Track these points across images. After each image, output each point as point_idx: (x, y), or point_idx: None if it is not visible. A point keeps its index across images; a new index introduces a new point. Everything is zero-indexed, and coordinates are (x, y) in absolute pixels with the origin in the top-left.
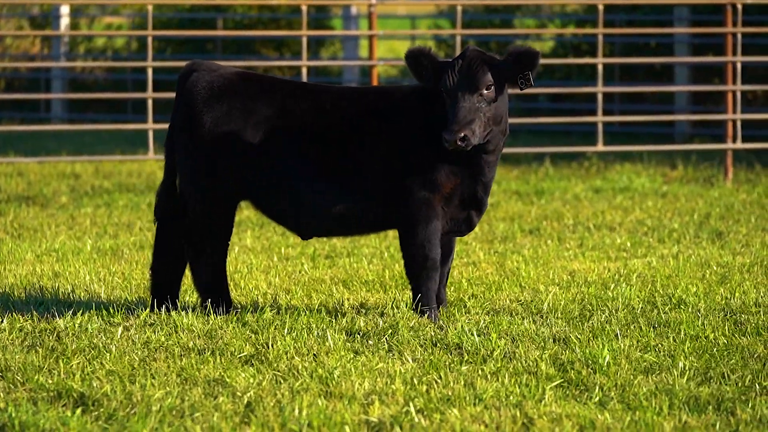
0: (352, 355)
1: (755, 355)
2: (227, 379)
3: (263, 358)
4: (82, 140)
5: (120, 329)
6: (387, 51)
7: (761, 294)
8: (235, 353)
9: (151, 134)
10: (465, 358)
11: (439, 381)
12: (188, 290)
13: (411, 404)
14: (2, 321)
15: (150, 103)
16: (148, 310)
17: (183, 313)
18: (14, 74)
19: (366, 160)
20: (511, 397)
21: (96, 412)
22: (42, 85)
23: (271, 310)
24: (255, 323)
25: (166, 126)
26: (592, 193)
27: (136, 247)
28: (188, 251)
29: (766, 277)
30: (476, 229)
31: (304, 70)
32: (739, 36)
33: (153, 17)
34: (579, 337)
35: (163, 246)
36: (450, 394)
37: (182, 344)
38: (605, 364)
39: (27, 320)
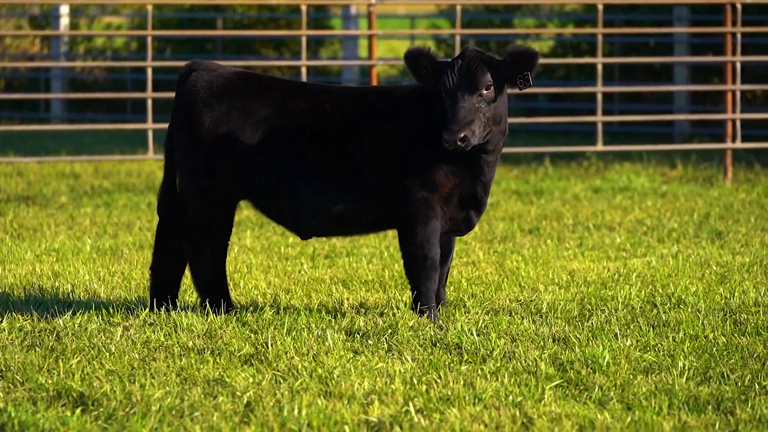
0: (351, 355)
1: (755, 355)
2: (227, 379)
3: (263, 357)
4: (81, 140)
5: (120, 329)
6: (386, 51)
7: (761, 293)
8: (235, 353)
9: (150, 134)
10: (464, 358)
11: (438, 381)
12: (188, 290)
13: (410, 404)
14: (2, 321)
15: (149, 102)
16: (147, 309)
17: (182, 312)
18: (14, 74)
19: (365, 159)
20: (511, 397)
21: (95, 412)
22: (41, 84)
23: (270, 310)
24: (254, 323)
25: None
26: (592, 193)
27: (136, 246)
28: (188, 251)
29: (766, 276)
30: (476, 228)
31: (304, 70)
32: (739, 36)
33: (152, 17)
34: (578, 336)
35: (163, 246)
36: (449, 393)
37: (182, 344)
38: (605, 363)
39: (27, 320)
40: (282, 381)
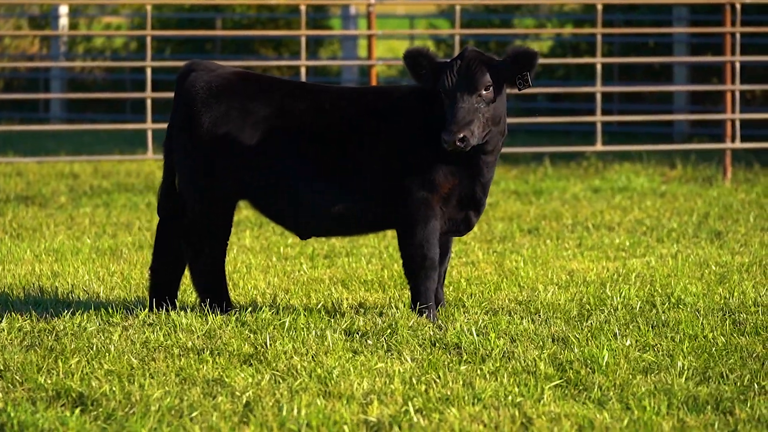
0: (350, 355)
1: (754, 355)
2: (226, 379)
3: (262, 357)
4: (80, 140)
5: (119, 329)
6: (386, 51)
7: (760, 293)
8: (234, 353)
9: (149, 134)
10: (464, 358)
11: (437, 381)
12: (187, 290)
13: (410, 404)
14: (1, 321)
15: (149, 102)
16: (146, 310)
17: (182, 313)
18: (13, 74)
19: (365, 160)
20: (510, 397)
21: (95, 412)
22: (41, 85)
23: (269, 310)
24: (254, 323)
25: (165, 126)
26: (591, 193)
27: (135, 246)
28: (187, 251)
29: (765, 276)
30: (475, 228)
31: (303, 70)
32: (738, 36)
33: (152, 17)
34: (578, 336)
35: (163, 246)
36: (449, 393)
37: (181, 344)
38: (604, 363)
39: (26, 320)
40: (281, 381)
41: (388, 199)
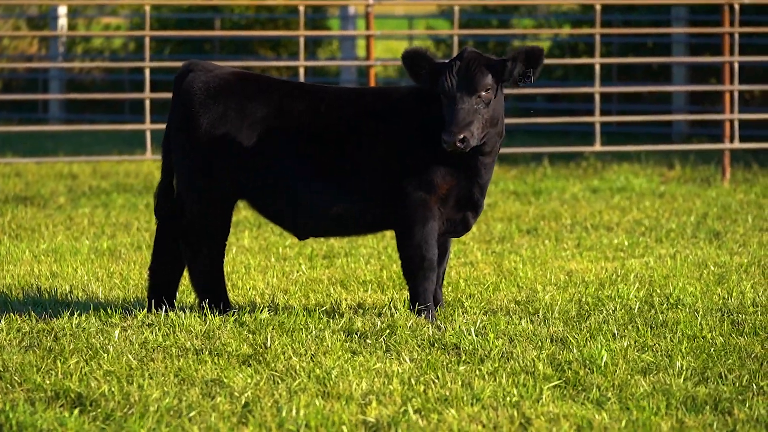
0: (349, 356)
1: (752, 355)
2: (225, 380)
3: (261, 358)
4: (79, 140)
5: (118, 329)
6: (384, 51)
7: (758, 294)
8: (233, 353)
9: (148, 134)
10: (462, 358)
11: (436, 381)
12: (186, 290)
13: (408, 404)
14: (0, 321)
15: (147, 103)
16: (145, 310)
17: (180, 313)
18: (12, 75)
19: (363, 160)
20: (509, 397)
21: (93, 413)
22: (39, 85)
23: (268, 311)
24: (252, 323)
25: (163, 126)
26: (590, 193)
27: (134, 247)
28: (185, 251)
29: (764, 276)
30: (474, 229)
31: (302, 71)
32: (737, 36)
33: (150, 17)
34: (576, 337)
35: (162, 246)
36: (447, 394)
37: (180, 344)
38: (603, 364)
39: (25, 320)
40: (280, 381)
41: (386, 200)
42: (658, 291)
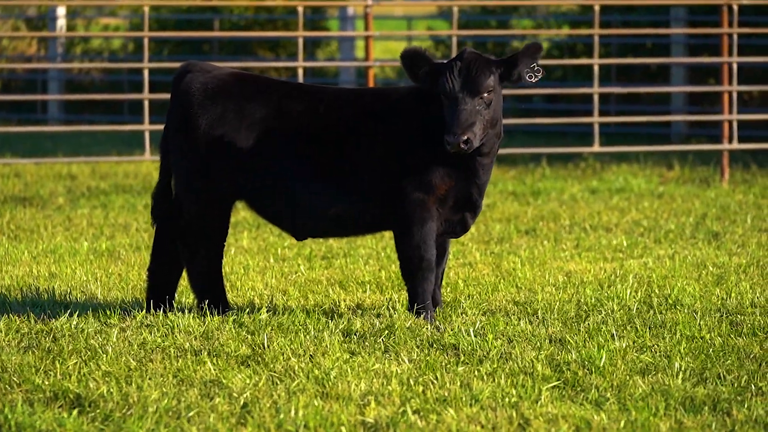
0: (348, 356)
1: (751, 356)
2: (223, 380)
3: (259, 358)
4: (78, 141)
5: (116, 330)
6: (383, 52)
7: (757, 294)
8: (232, 354)
9: (147, 135)
10: (461, 359)
11: (435, 382)
12: (185, 291)
13: (407, 405)
14: None
15: (146, 104)
16: (144, 311)
17: (179, 314)
18: (11, 75)
19: (362, 161)
20: (508, 398)
21: (92, 414)
22: (38, 86)
23: (267, 311)
24: (251, 324)
25: (162, 127)
26: (589, 194)
27: (133, 248)
28: (183, 252)
29: (762, 277)
30: (472, 229)
31: (300, 71)
32: (735, 36)
33: (149, 18)
34: (575, 337)
35: (161, 247)
36: (446, 394)
37: (178, 345)
38: (601, 364)
39: (23, 321)
40: (279, 382)
41: (385, 201)
42: (657, 292)
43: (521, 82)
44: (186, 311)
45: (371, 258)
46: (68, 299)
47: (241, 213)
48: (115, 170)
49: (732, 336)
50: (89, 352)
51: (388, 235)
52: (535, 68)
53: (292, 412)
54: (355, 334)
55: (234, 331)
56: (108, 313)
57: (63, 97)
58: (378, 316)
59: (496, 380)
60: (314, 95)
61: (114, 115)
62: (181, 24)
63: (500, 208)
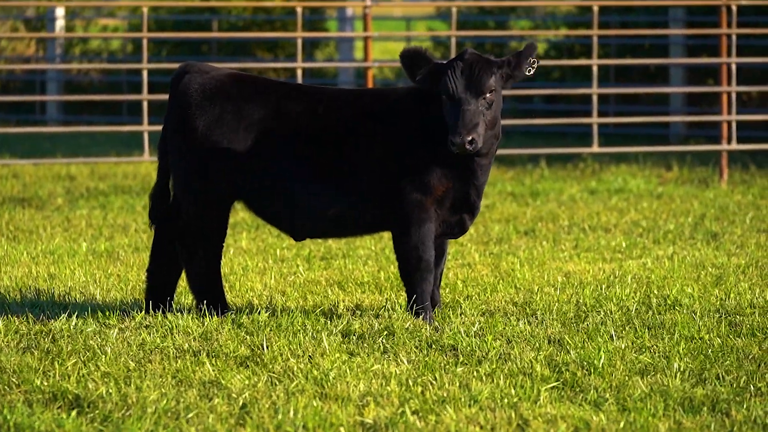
0: (347, 357)
1: (750, 356)
2: (222, 381)
3: (258, 359)
4: (77, 142)
5: (115, 331)
6: (382, 53)
7: (756, 295)
8: (231, 355)
9: (146, 136)
10: (460, 360)
11: (434, 382)
12: (183, 292)
13: (406, 406)
14: None
15: (145, 105)
16: (143, 312)
17: (178, 314)
18: (9, 76)
19: (361, 162)
20: (506, 399)
21: (91, 414)
22: (37, 87)
23: (266, 312)
24: (250, 325)
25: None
26: (588, 195)
27: (132, 248)
28: (181, 253)
29: (761, 278)
30: (471, 230)
31: (299, 72)
32: (734, 37)
33: (148, 19)
34: (574, 338)
35: (161, 248)
36: (445, 395)
37: (177, 346)
38: (600, 365)
39: (22, 322)
40: (278, 383)
41: (383, 201)
42: (656, 292)
43: (519, 80)
44: (185, 312)
45: (370, 259)
46: (67, 300)
47: (240, 214)
48: (114, 171)
49: (731, 336)
50: (88, 353)
51: (387, 235)
52: (531, 61)
53: (291, 412)
54: (354, 335)
55: (233, 332)
56: (107, 313)
57: (62, 98)
58: (377, 316)
59: (495, 381)
60: (313, 96)
61: (113, 115)
62: (180, 25)
63: (499, 208)
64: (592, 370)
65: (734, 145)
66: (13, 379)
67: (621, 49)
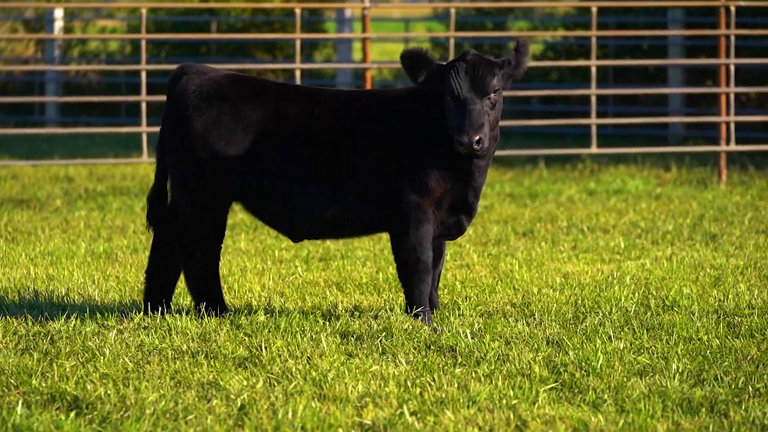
0: (345, 358)
1: (748, 357)
2: (221, 382)
3: (257, 360)
4: (76, 143)
5: (114, 332)
6: (381, 54)
7: (754, 296)
8: (229, 356)
9: (144, 137)
10: (458, 361)
11: (432, 383)
12: (182, 293)
13: (405, 407)
14: None
15: (144, 106)
16: (141, 313)
17: (177, 316)
18: (8, 77)
19: (359, 163)
20: (505, 400)
21: (90, 416)
22: (36, 88)
23: (264, 313)
24: (248, 326)
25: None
26: (586, 196)
27: (130, 250)
28: (179, 254)
29: (760, 279)
30: (470, 231)
31: (298, 73)
32: (733, 38)
33: (147, 20)
34: (572, 339)
35: (159, 250)
36: (444, 396)
37: (176, 347)
38: (599, 366)
39: (21, 323)
40: (276, 384)
41: (382, 202)
42: (654, 293)
43: (519, 80)
44: (183, 313)
45: (368, 260)
46: (65, 301)
47: (239, 215)
48: (112, 172)
49: (729, 337)
50: (87, 354)
51: (386, 237)
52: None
53: (290, 413)
54: (353, 336)
55: (231, 333)
56: (105, 315)
57: (60, 99)
58: (375, 317)
59: (494, 382)
60: (311, 97)
61: (111, 117)
62: (179, 26)
63: (498, 209)
64: (591, 371)
65: (733, 146)
66: (12, 381)
67: (619, 50)
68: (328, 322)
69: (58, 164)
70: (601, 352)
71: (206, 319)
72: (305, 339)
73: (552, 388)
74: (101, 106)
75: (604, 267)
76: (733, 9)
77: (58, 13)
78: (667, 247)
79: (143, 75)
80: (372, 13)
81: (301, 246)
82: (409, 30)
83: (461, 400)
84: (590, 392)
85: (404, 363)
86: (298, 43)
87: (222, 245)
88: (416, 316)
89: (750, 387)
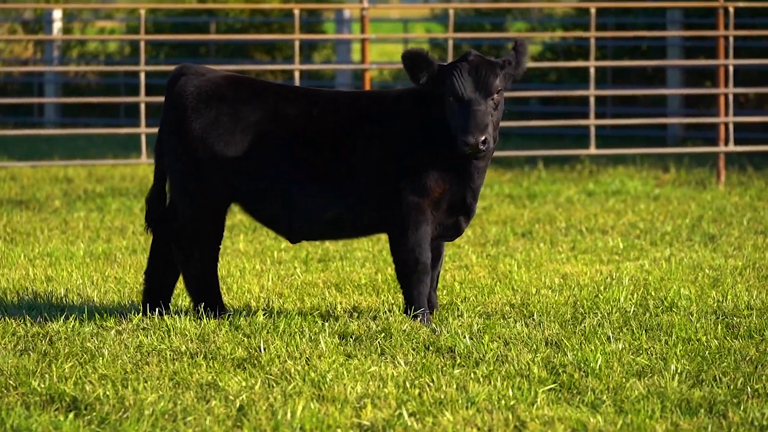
0: (344, 359)
1: (747, 358)
2: (220, 383)
3: (256, 361)
4: (75, 144)
5: (112, 333)
6: (380, 55)
7: (753, 297)
8: (228, 357)
9: (143, 138)
10: (457, 362)
11: (431, 384)
12: (181, 294)
13: (403, 408)
14: None
15: (143, 107)
16: (140, 314)
17: (175, 317)
18: (7, 79)
19: (358, 164)
20: (504, 400)
21: (88, 417)
22: (35, 89)
23: (263, 314)
24: (247, 327)
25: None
26: (585, 196)
27: (129, 251)
28: (177, 255)
29: (758, 279)
30: (468, 232)
31: (297, 74)
32: (731, 39)
33: (146, 21)
34: (571, 340)
35: (158, 250)
36: (442, 397)
37: (175, 348)
38: (597, 367)
39: (19, 324)
40: (275, 385)
41: (380, 203)
42: (653, 294)
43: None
44: (182, 314)
45: (367, 261)
46: (64, 302)
47: (238, 216)
48: (111, 173)
49: (728, 338)
50: (85, 355)
51: (384, 238)
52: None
53: (289, 414)
54: (352, 337)
55: (230, 334)
56: (104, 316)
57: (59, 100)
58: (374, 318)
59: (492, 383)
60: (310, 98)
61: (110, 118)
62: (178, 27)
63: (496, 210)
64: (590, 372)
65: (731, 147)
66: (11, 382)
67: (618, 51)
68: (326, 323)
69: (57, 165)
70: (600, 352)
71: (205, 320)
72: (304, 340)
73: (551, 388)
74: (100, 107)
75: (602, 268)
76: (731, 10)
77: (57, 14)
78: (666, 247)
79: (142, 76)
80: (371, 14)
81: (300, 247)
82: (408, 31)
83: (460, 401)
84: (589, 393)
85: (403, 364)
86: (296, 44)
87: (220, 246)
88: (415, 317)
89: (749, 388)
